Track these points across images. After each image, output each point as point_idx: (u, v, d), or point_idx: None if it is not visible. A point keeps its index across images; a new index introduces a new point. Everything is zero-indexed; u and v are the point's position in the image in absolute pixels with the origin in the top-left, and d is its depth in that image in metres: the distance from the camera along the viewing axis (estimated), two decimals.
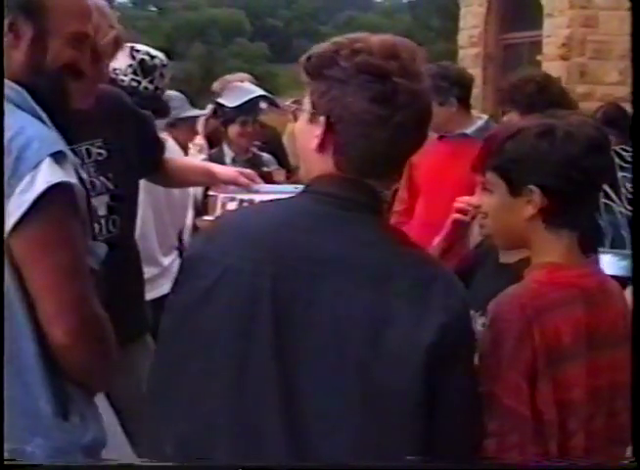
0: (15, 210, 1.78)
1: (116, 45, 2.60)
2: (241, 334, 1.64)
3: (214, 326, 1.67)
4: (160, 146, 2.99)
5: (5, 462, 1.75)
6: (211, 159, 4.42)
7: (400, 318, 1.57)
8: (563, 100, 3.32)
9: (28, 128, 1.84)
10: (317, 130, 1.70)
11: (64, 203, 1.83)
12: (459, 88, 4.13)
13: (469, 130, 4.19)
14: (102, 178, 2.61)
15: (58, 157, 1.82)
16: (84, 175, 1.94)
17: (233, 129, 4.58)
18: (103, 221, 2.61)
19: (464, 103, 4.21)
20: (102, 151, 2.62)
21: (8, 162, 1.79)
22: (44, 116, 1.92)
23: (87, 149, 2.60)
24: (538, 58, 12.20)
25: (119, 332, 2.47)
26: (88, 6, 2.08)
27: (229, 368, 1.65)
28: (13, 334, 1.82)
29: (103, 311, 1.91)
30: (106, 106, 2.64)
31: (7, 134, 1.80)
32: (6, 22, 1.89)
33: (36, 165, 1.79)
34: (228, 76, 5.93)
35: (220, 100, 4.60)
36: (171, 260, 3.92)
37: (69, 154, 1.88)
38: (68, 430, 1.88)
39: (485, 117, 4.59)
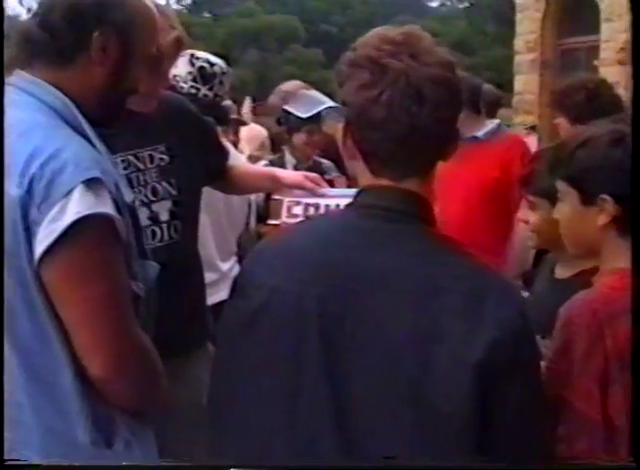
0: (44, 239, 1.74)
1: (177, 46, 2.59)
2: (290, 354, 1.63)
3: (263, 347, 1.67)
4: (224, 153, 3.00)
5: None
6: (272, 165, 4.43)
7: (449, 334, 1.53)
8: (614, 108, 3.27)
9: (65, 151, 1.78)
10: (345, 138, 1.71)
11: (95, 233, 1.77)
12: (468, 92, 4.14)
13: (480, 133, 4.23)
14: (164, 184, 2.62)
15: (92, 183, 1.76)
16: (127, 197, 1.89)
17: (299, 137, 4.58)
18: (164, 227, 2.62)
19: (474, 107, 4.25)
20: (164, 156, 2.63)
21: (39, 186, 1.73)
22: (90, 132, 1.89)
23: (150, 154, 2.61)
24: (595, 63, 12.07)
25: (181, 340, 2.50)
26: (158, 26, 2.10)
27: (280, 388, 1.65)
28: (50, 363, 1.80)
29: (146, 339, 1.88)
30: (169, 112, 2.67)
31: (42, 157, 1.75)
32: (97, 39, 1.88)
33: (68, 193, 1.73)
34: (282, 86, 5.94)
35: (289, 108, 4.59)
36: (230, 266, 3.93)
37: (107, 177, 1.81)
38: (110, 458, 1.85)
39: (497, 120, 4.64)
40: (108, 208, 1.78)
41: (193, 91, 3.60)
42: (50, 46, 1.90)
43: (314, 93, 4.94)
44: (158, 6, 2.49)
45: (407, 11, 60.23)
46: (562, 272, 2.52)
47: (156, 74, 2.50)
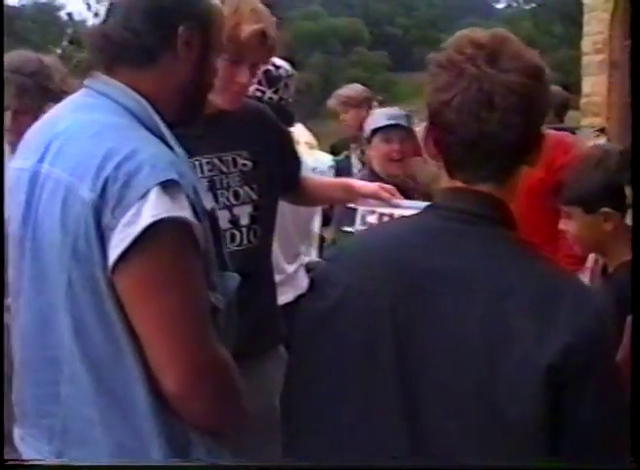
0: (118, 244, 1.65)
1: (261, 40, 2.55)
2: (364, 352, 1.63)
3: (338, 345, 1.67)
4: (298, 163, 3.00)
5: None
6: (338, 167, 4.44)
7: (521, 336, 1.52)
8: None
9: (140, 152, 1.70)
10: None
11: (172, 238, 1.69)
12: None
13: None
14: (246, 188, 2.63)
15: (168, 186, 1.67)
16: (207, 203, 1.82)
17: (371, 151, 4.59)
18: (244, 230, 2.63)
19: None
20: (247, 162, 2.65)
21: (113, 189, 1.66)
22: (168, 134, 1.84)
23: (233, 158, 2.63)
24: None
25: (254, 342, 2.51)
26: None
27: (354, 387, 1.65)
28: (122, 377, 1.73)
29: (225, 354, 1.79)
30: (251, 119, 2.70)
31: (116, 158, 1.68)
32: (183, 33, 1.86)
33: (143, 196, 1.65)
34: (341, 91, 5.94)
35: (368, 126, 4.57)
36: (295, 268, 3.93)
37: (185, 181, 1.74)
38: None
39: None
40: (185, 212, 1.69)
41: (258, 94, 3.61)
42: (134, 47, 1.86)
43: (394, 111, 4.87)
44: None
45: (473, 12, 59.97)
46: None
47: (239, 70, 2.53)
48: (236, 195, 2.61)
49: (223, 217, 2.50)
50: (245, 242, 2.62)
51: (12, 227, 1.87)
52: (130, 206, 1.65)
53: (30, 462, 1.74)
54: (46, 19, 49.87)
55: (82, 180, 1.70)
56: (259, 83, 3.61)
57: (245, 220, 2.62)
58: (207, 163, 2.57)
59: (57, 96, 2.96)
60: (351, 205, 3.00)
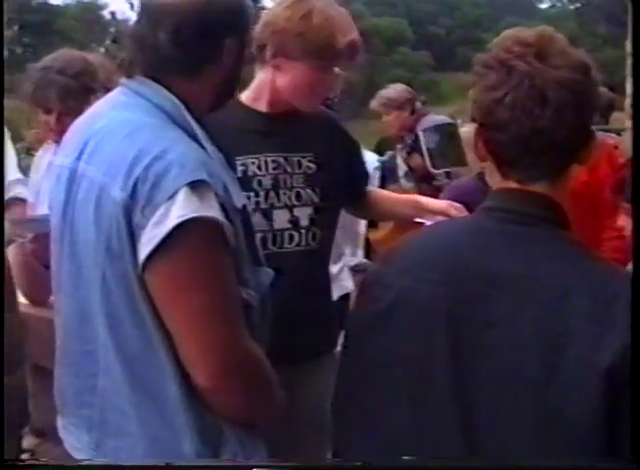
0: (147, 243, 1.70)
1: (352, 50, 2.59)
2: (418, 355, 1.63)
3: (392, 347, 1.67)
4: (365, 175, 3.01)
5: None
6: (383, 167, 4.44)
7: (578, 337, 1.51)
8: None
9: (170, 152, 1.73)
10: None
11: (200, 237, 1.72)
12: None
13: None
14: (308, 190, 2.66)
15: (197, 186, 1.71)
16: (238, 202, 1.83)
17: (418, 159, 4.59)
18: (303, 232, 2.65)
19: None
20: (311, 165, 2.67)
21: (143, 189, 1.69)
22: (201, 133, 1.86)
23: (299, 160, 2.66)
24: None
25: (310, 344, 2.54)
26: None
27: (407, 389, 1.65)
28: (155, 372, 1.77)
29: (257, 350, 1.82)
30: (321, 124, 2.74)
31: (146, 159, 1.71)
32: (229, 44, 1.90)
33: (172, 196, 1.69)
34: (383, 92, 5.92)
35: (424, 149, 4.56)
36: (339, 268, 3.95)
37: (215, 180, 1.76)
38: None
39: None
40: (213, 211, 1.72)
41: None
42: (182, 61, 1.88)
43: (455, 144, 4.85)
44: (337, 7, 2.58)
45: (516, 12, 59.49)
46: None
47: (327, 76, 2.57)
48: (298, 196, 2.64)
49: (283, 217, 2.58)
50: (303, 243, 2.64)
51: (53, 223, 1.94)
52: (159, 206, 1.69)
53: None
54: (89, 17, 50.19)
55: (114, 180, 1.74)
56: None
57: (304, 222, 2.64)
58: (273, 161, 2.61)
59: (102, 95, 3.00)
60: (418, 220, 2.99)
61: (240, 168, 2.56)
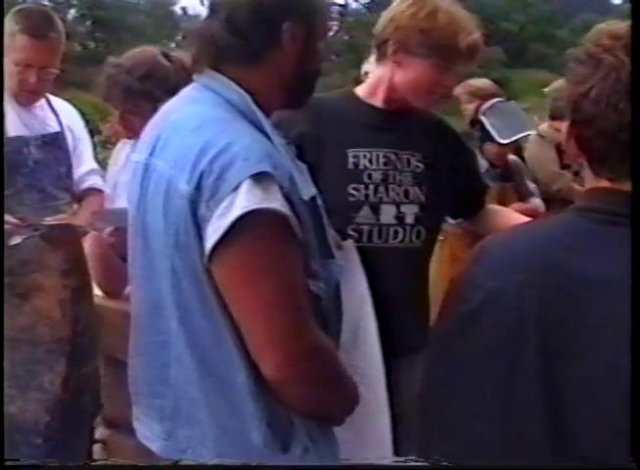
0: (212, 235, 1.69)
1: (471, 50, 2.56)
2: (506, 360, 1.59)
3: (479, 351, 1.63)
4: (480, 185, 2.96)
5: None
6: None
7: None
8: None
9: (235, 145, 1.72)
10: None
11: (264, 228, 1.70)
12: None
13: None
14: (416, 188, 2.64)
15: (261, 177, 1.69)
16: (305, 194, 1.82)
17: (492, 147, 4.55)
18: (408, 229, 2.63)
19: None
20: (419, 164, 2.66)
21: (208, 182, 1.69)
22: (268, 126, 1.85)
23: (408, 158, 2.65)
24: None
25: (406, 341, 2.53)
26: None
27: (494, 393, 1.61)
28: (224, 361, 1.77)
29: (326, 342, 1.80)
30: (429, 124, 2.72)
31: (212, 152, 1.71)
32: (288, 29, 1.85)
33: (236, 188, 1.67)
34: (472, 81, 5.86)
35: (488, 125, 4.54)
36: None
37: (280, 172, 1.74)
38: (285, 463, 1.79)
39: None
40: (277, 203, 1.69)
41: None
42: (239, 49, 1.87)
43: (516, 113, 4.81)
44: (460, 8, 2.56)
45: (589, 8, 58.81)
46: None
47: (448, 75, 2.55)
48: (406, 193, 2.62)
49: (390, 212, 2.57)
50: (406, 240, 2.62)
51: (130, 217, 1.96)
52: (223, 198, 1.67)
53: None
54: (160, 13, 50.77)
55: (181, 174, 1.74)
56: None
57: (410, 219, 2.62)
58: (384, 156, 2.60)
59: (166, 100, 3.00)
60: None
61: (351, 160, 2.59)
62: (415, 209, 2.63)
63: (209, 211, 1.69)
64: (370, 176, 2.57)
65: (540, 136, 5.54)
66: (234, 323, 1.73)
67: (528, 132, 4.58)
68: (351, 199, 2.53)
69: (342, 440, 1.96)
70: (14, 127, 3.21)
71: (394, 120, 2.63)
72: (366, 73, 3.66)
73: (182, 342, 1.81)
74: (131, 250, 1.98)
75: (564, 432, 1.53)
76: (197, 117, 1.83)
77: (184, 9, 51.99)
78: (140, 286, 1.95)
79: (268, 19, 1.85)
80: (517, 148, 5.51)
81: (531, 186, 4.93)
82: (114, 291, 3.64)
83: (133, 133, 2.93)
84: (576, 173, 5.18)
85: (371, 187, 2.57)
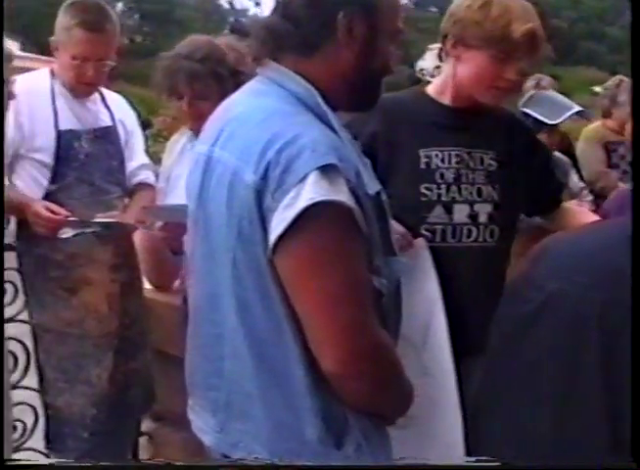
0: (277, 226, 1.68)
1: (530, 40, 2.51)
2: (567, 361, 1.57)
3: (539, 352, 1.60)
4: (556, 185, 2.93)
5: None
6: None
7: None
8: None
9: (302, 137, 1.71)
10: None
11: (330, 222, 1.68)
12: None
13: None
14: (489, 187, 2.63)
15: (327, 170, 1.67)
16: (371, 188, 1.81)
17: (541, 137, 4.51)
18: (482, 228, 2.62)
19: None
20: (493, 162, 2.65)
21: (275, 173, 1.68)
22: (334, 119, 1.84)
23: (481, 157, 2.64)
24: None
25: (476, 340, 2.52)
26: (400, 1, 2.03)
27: (554, 395, 1.59)
28: (282, 355, 1.76)
29: (387, 339, 1.78)
30: (504, 123, 2.71)
31: (278, 143, 1.71)
32: (343, 20, 1.83)
33: (302, 179, 1.66)
34: (541, 75, 5.81)
35: (531, 112, 4.51)
36: None
37: (346, 165, 1.74)
38: (338, 459, 1.78)
39: None
40: (343, 196, 1.69)
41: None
42: (294, 37, 1.86)
43: (557, 96, 4.79)
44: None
45: None
46: None
47: (507, 67, 2.52)
48: (479, 192, 2.61)
49: (463, 211, 2.57)
50: (480, 239, 2.61)
51: (189, 209, 1.96)
52: (289, 189, 1.66)
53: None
54: (208, 7, 50.97)
55: (247, 164, 1.73)
56: None
57: (483, 218, 2.61)
58: (456, 155, 2.60)
59: (235, 77, 2.99)
60: None
61: (423, 160, 2.58)
62: (488, 207, 2.62)
63: (275, 202, 1.68)
64: (442, 176, 2.57)
65: (589, 134, 5.51)
66: (294, 317, 1.72)
67: (575, 110, 4.52)
68: (424, 199, 2.53)
69: (404, 439, 1.95)
70: (66, 121, 3.23)
71: (466, 119, 2.62)
72: (421, 70, 3.63)
73: (240, 335, 1.80)
74: (191, 242, 1.98)
75: (623, 433, 1.50)
76: (263, 110, 1.83)
77: (231, 2, 52.21)
78: (199, 278, 1.95)
79: (323, 7, 1.84)
80: (568, 145, 5.47)
81: (579, 184, 4.87)
82: (163, 284, 3.65)
83: (203, 120, 2.93)
84: (625, 172, 5.14)
85: (443, 186, 2.57)
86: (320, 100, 1.84)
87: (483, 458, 1.66)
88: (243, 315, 1.79)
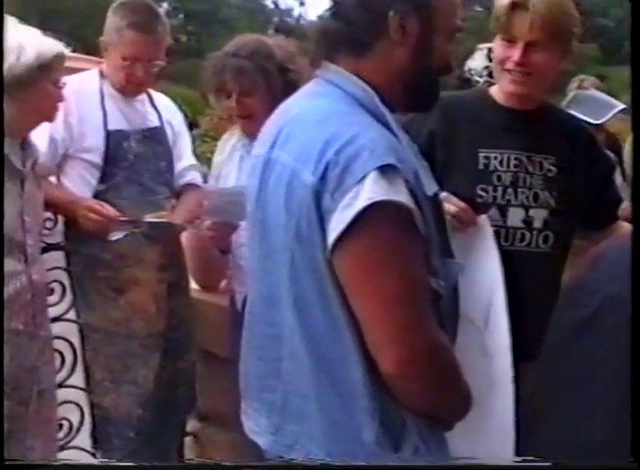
0: (336, 226, 1.68)
1: (515, 12, 2.51)
2: (622, 365, 1.55)
3: (594, 356, 1.60)
4: (613, 198, 2.85)
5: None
6: None
7: None
8: None
9: (361, 137, 1.71)
10: None
11: (389, 222, 1.68)
12: None
13: None
14: (546, 192, 2.61)
15: (386, 170, 1.67)
16: (429, 190, 1.80)
17: None
18: (535, 233, 2.60)
19: None
20: (552, 168, 2.62)
21: (334, 173, 1.68)
22: (391, 119, 1.83)
23: (540, 162, 2.62)
24: None
25: (529, 345, 2.50)
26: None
27: (610, 396, 1.57)
28: (340, 356, 1.76)
29: (445, 340, 1.77)
30: (566, 129, 2.69)
31: (337, 143, 1.70)
32: (394, 18, 1.82)
33: (361, 180, 1.66)
34: (583, 76, 5.76)
35: (575, 112, 4.47)
36: None
37: (405, 166, 1.73)
38: (395, 462, 1.76)
39: None
40: (402, 196, 1.69)
41: (487, 86, 3.54)
42: (347, 37, 1.86)
43: (600, 95, 4.75)
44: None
45: None
46: None
47: (511, 49, 2.52)
48: (535, 197, 2.59)
49: (518, 215, 2.56)
50: (533, 244, 2.60)
51: (247, 211, 1.97)
52: (349, 190, 1.67)
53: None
54: (252, 7, 51.07)
55: (305, 165, 1.73)
56: (490, 76, 3.53)
57: (538, 224, 2.60)
58: (515, 158, 2.58)
59: (283, 75, 2.98)
60: None
61: (482, 161, 2.57)
62: (544, 213, 2.60)
63: (334, 202, 1.68)
64: (499, 178, 2.55)
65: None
66: (352, 318, 1.72)
67: (620, 108, 4.47)
68: (479, 200, 2.51)
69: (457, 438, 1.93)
70: (115, 121, 3.24)
71: (528, 122, 2.60)
72: (470, 70, 3.61)
73: (297, 336, 1.80)
74: (248, 242, 1.99)
75: None
76: (321, 111, 1.83)
77: (275, 2, 52.29)
78: (256, 279, 1.95)
79: (374, 6, 1.83)
80: (613, 145, 5.42)
81: (623, 186, 4.81)
82: (210, 284, 3.66)
83: (252, 118, 2.95)
84: None
85: (499, 189, 2.55)
86: (378, 100, 1.83)
87: (530, 458, 1.64)
88: (300, 316, 1.79)
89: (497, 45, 2.53)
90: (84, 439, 3.38)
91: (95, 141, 3.18)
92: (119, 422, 3.34)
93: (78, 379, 3.36)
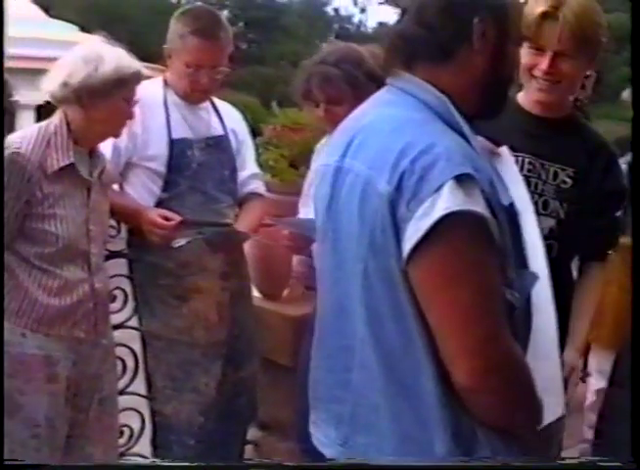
0: (412, 236, 1.65)
1: (548, 21, 2.49)
2: None
3: None
4: (615, 225, 2.80)
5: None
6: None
7: None
8: None
9: (437, 146, 1.69)
10: None
11: (466, 232, 1.66)
12: None
13: None
14: (557, 202, 2.58)
15: (463, 179, 1.65)
16: (505, 199, 1.78)
17: None
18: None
19: None
20: (568, 179, 2.60)
21: (409, 183, 1.66)
22: (466, 128, 1.81)
23: (556, 171, 2.59)
24: None
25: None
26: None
27: None
28: (412, 367, 1.73)
29: (519, 352, 1.74)
30: (590, 143, 2.66)
31: (413, 152, 1.68)
32: (478, 25, 1.81)
33: (438, 189, 1.63)
34: None
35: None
36: None
37: (481, 175, 1.71)
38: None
39: None
40: (479, 206, 1.66)
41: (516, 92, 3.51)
42: (429, 43, 1.83)
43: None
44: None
45: None
46: None
47: (539, 58, 2.50)
48: (545, 204, 2.57)
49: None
50: None
51: (317, 221, 1.95)
52: (425, 199, 1.64)
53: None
54: (313, 14, 51.16)
55: (380, 174, 1.71)
56: None
57: (544, 231, 2.49)
58: (529, 162, 2.57)
59: (375, 83, 2.96)
60: None
61: None
62: (551, 222, 2.57)
63: (410, 211, 1.66)
64: None
65: None
66: (426, 328, 1.70)
67: None
68: None
69: None
70: (179, 129, 3.24)
71: (549, 129, 2.58)
72: None
73: (369, 346, 1.79)
74: (319, 253, 1.98)
75: None
76: (395, 119, 1.81)
77: (336, 9, 52.34)
78: (327, 289, 1.94)
79: (458, 12, 1.82)
80: None
81: None
82: (273, 293, 3.65)
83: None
84: None
85: None
86: (452, 108, 1.81)
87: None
88: (373, 326, 1.77)
89: (525, 52, 2.50)
90: (144, 446, 3.40)
91: (159, 149, 3.19)
92: (180, 430, 3.34)
93: (140, 386, 3.37)
